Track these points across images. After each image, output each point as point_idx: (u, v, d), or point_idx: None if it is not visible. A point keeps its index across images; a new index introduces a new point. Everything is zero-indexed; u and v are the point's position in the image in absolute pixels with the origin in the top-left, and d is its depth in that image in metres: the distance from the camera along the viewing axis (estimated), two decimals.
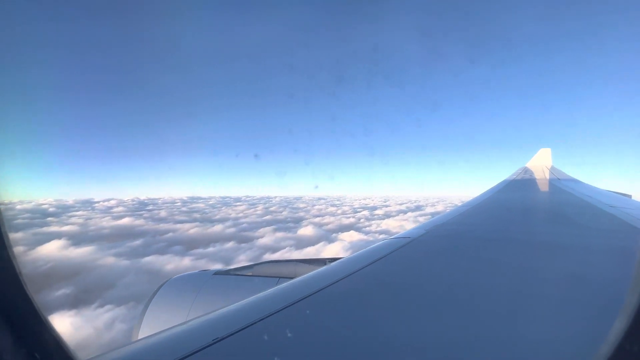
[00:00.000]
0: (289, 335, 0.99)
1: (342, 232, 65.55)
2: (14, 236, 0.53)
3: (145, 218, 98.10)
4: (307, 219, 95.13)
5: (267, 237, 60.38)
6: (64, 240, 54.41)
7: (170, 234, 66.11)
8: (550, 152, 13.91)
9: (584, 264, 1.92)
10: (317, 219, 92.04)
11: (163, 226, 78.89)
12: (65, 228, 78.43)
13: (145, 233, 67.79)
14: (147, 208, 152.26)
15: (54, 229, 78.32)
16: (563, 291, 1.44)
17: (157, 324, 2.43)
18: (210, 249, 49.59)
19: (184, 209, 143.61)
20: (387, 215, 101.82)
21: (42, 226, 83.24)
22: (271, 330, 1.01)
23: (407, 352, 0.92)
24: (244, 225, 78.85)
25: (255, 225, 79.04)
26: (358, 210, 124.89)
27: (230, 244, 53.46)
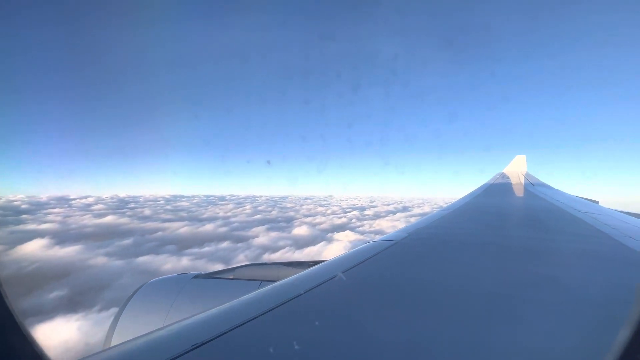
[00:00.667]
0: (271, 339, 0.97)
1: (337, 232, 65.88)
2: None
3: (129, 216, 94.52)
4: (298, 218, 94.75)
5: (262, 236, 59.67)
6: (47, 239, 51.48)
7: (160, 233, 64.02)
8: (525, 159, 14.88)
9: (556, 266, 2.03)
10: (308, 219, 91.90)
11: (150, 225, 76.26)
12: (44, 226, 74.03)
13: (132, 232, 65.28)
14: (129, 206, 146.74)
15: (31, 226, 73.82)
16: (538, 293, 1.50)
17: (132, 329, 2.32)
18: (207, 249, 48.37)
19: (168, 207, 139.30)
20: (377, 216, 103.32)
21: (17, 224, 78.37)
22: (252, 335, 0.99)
23: (388, 354, 0.92)
24: (235, 224, 77.56)
25: (246, 224, 77.93)
26: (347, 210, 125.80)
27: (225, 244, 52.41)
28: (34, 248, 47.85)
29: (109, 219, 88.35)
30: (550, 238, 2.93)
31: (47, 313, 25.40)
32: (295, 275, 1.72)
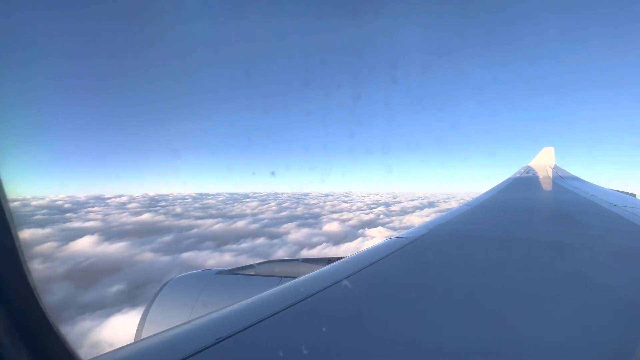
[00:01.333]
0: (292, 334, 1.00)
1: (368, 228, 65.52)
2: (24, 235, 0.52)
3: (163, 214, 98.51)
4: (324, 215, 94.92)
5: (293, 233, 60.35)
6: (97, 236, 54.59)
7: (195, 230, 66.18)
8: (553, 151, 14.03)
9: (588, 263, 1.89)
10: (335, 215, 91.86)
11: (185, 222, 79.05)
12: (88, 224, 78.66)
13: (169, 229, 67.97)
14: (160, 204, 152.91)
15: (76, 224, 78.56)
16: (567, 291, 1.42)
17: (160, 323, 2.41)
18: (244, 245, 49.54)
19: (196, 205, 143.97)
20: (404, 212, 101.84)
21: (64, 222, 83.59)
22: (274, 330, 1.02)
23: (408, 351, 0.92)
24: (265, 221, 78.86)
25: (276, 221, 79.05)
26: (372, 206, 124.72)
27: (261, 240, 53.43)
28: (85, 244, 50.91)
29: (146, 216, 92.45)
30: (583, 233, 2.73)
31: (113, 306, 26.90)
32: (315, 272, 1.72)
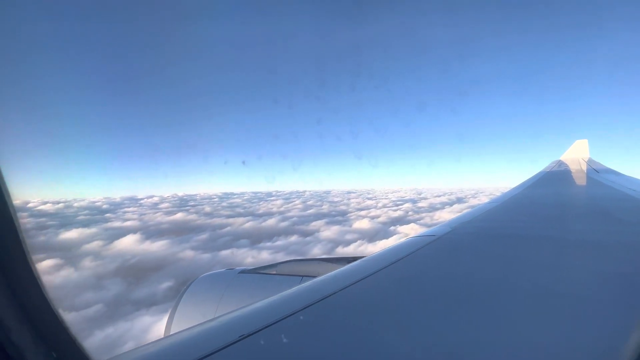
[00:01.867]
0: (312, 333, 1.01)
1: (400, 225, 64.31)
2: (33, 239, 0.53)
3: (194, 213, 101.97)
4: (351, 212, 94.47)
5: (325, 230, 60.29)
6: (139, 234, 57.28)
7: (228, 228, 67.88)
8: (587, 144, 13.18)
9: (628, 264, 1.73)
10: (363, 212, 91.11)
11: (217, 221, 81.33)
12: (127, 224, 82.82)
13: (203, 227, 70.18)
14: (190, 204, 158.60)
15: (116, 224, 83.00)
16: (603, 292, 1.33)
17: (187, 319, 2.52)
18: (279, 243, 50.13)
19: (224, 204, 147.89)
20: (432, 208, 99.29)
21: (105, 222, 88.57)
22: (295, 328, 1.04)
23: (428, 352, 0.91)
24: (293, 219, 79.56)
25: (304, 219, 79.51)
26: (398, 203, 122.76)
27: (294, 238, 53.81)
28: (128, 243, 53.57)
29: (179, 216, 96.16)
30: (621, 231, 2.51)
31: (165, 302, 27.95)
32: (336, 271, 1.70)
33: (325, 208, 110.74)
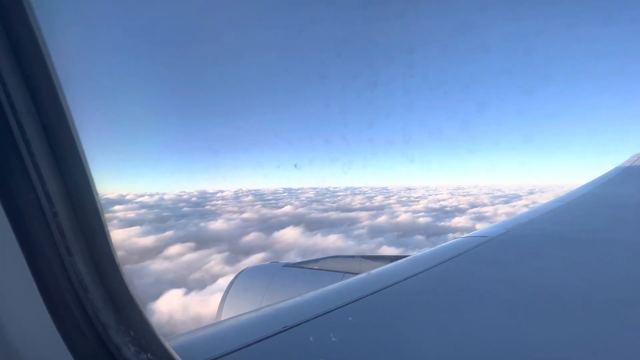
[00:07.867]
0: (351, 329, 1.05)
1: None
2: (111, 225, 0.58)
3: (300, 207, 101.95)
4: (463, 209, 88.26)
5: (469, 225, 56.03)
6: (302, 227, 56.95)
7: (359, 223, 65.41)
8: None
9: None
10: (482, 210, 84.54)
11: (348, 215, 79.40)
12: (244, 215, 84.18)
13: (328, 222, 68.60)
14: (267, 198, 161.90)
15: (243, 216, 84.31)
16: None
17: (234, 308, 2.67)
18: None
19: (326, 199, 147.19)
20: (522, 205, 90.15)
21: (209, 214, 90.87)
22: (335, 324, 1.08)
23: (471, 356, 0.90)
24: (433, 213, 76.15)
25: (442, 215, 75.06)
26: (492, 200, 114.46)
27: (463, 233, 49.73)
28: (292, 234, 52.90)
29: (287, 209, 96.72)
30: None
31: None
32: (378, 269, 1.70)
33: (459, 202, 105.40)
